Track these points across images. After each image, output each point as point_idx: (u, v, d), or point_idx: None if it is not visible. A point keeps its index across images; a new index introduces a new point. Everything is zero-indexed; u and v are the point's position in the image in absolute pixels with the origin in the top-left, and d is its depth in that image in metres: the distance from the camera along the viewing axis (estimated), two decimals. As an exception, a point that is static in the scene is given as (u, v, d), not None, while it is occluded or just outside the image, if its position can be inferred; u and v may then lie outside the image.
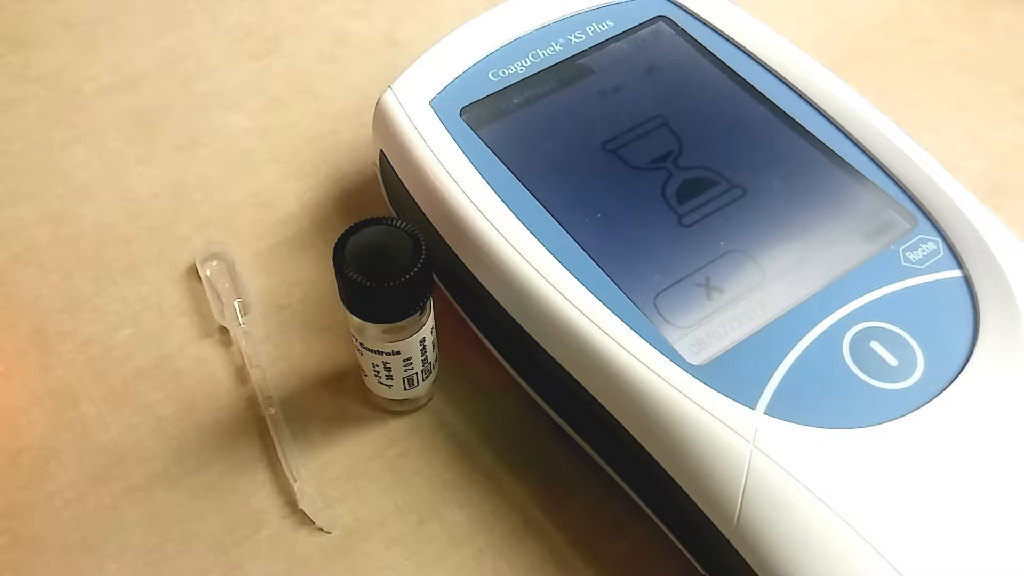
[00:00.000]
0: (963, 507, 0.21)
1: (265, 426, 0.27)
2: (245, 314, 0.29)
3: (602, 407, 0.23)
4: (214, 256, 0.30)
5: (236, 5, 0.39)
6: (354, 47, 0.38)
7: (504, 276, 0.24)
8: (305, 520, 0.26)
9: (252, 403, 0.28)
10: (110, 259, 0.31)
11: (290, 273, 0.31)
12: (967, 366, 0.23)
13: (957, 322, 0.24)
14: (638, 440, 0.23)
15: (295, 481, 0.26)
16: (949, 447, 0.21)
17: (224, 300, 0.29)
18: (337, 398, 0.28)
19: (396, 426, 0.27)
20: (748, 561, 0.21)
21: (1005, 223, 0.25)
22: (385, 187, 0.30)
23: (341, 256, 0.23)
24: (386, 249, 0.23)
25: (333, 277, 0.30)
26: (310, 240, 0.32)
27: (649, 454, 0.22)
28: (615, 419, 0.23)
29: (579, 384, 0.23)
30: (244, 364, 0.28)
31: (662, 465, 0.22)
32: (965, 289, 0.24)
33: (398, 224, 0.23)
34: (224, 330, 0.29)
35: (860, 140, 0.27)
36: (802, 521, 0.20)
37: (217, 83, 0.36)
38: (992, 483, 0.21)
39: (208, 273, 0.30)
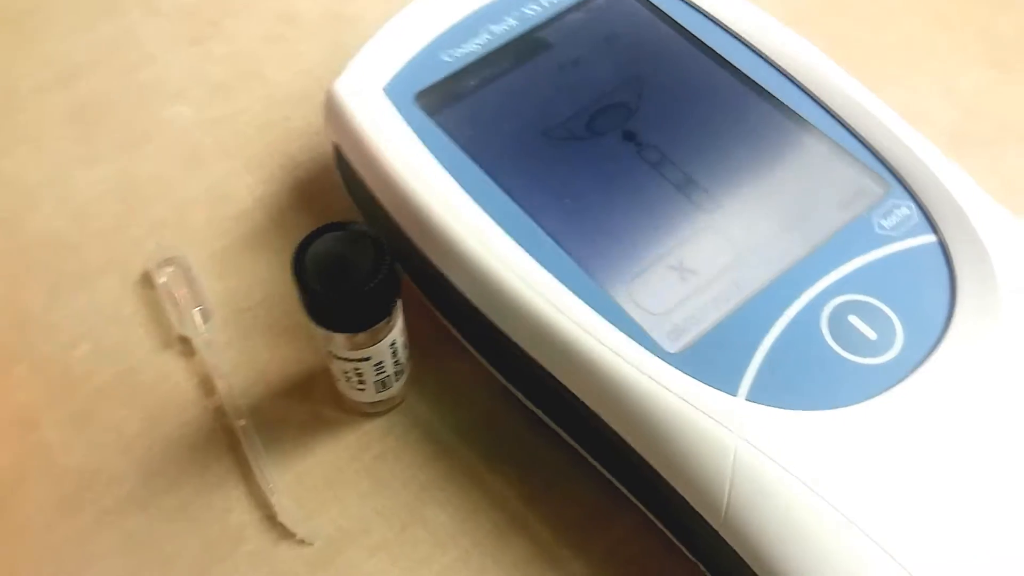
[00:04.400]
0: (953, 481, 0.20)
1: (236, 438, 0.26)
2: (206, 322, 0.28)
3: (582, 403, 0.23)
4: (168, 262, 0.29)
5: (171, -12, 0.37)
6: (301, 26, 0.36)
7: (471, 271, 0.23)
8: (285, 533, 0.25)
9: (220, 414, 0.27)
10: (60, 269, 0.30)
11: (249, 274, 0.30)
12: (946, 334, 0.22)
13: (934, 289, 0.23)
14: (620, 434, 0.22)
15: (272, 494, 0.25)
16: (934, 418, 0.21)
17: (183, 308, 0.28)
18: (308, 403, 0.27)
19: (371, 428, 0.27)
20: (739, 551, 0.20)
21: (975, 174, 0.25)
22: (343, 179, 0.29)
23: (302, 267, 0.22)
24: (347, 255, 0.22)
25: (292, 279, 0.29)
26: (267, 237, 0.30)
27: (632, 448, 0.22)
28: (595, 414, 0.22)
29: (556, 380, 0.23)
30: (208, 374, 0.27)
31: (646, 458, 0.22)
32: (941, 254, 0.24)
33: (358, 228, 0.22)
34: (185, 340, 0.28)
35: (828, 104, 0.26)
36: (791, 509, 0.20)
37: (158, 72, 0.35)
38: (980, 452, 0.21)
39: (163, 280, 0.29)
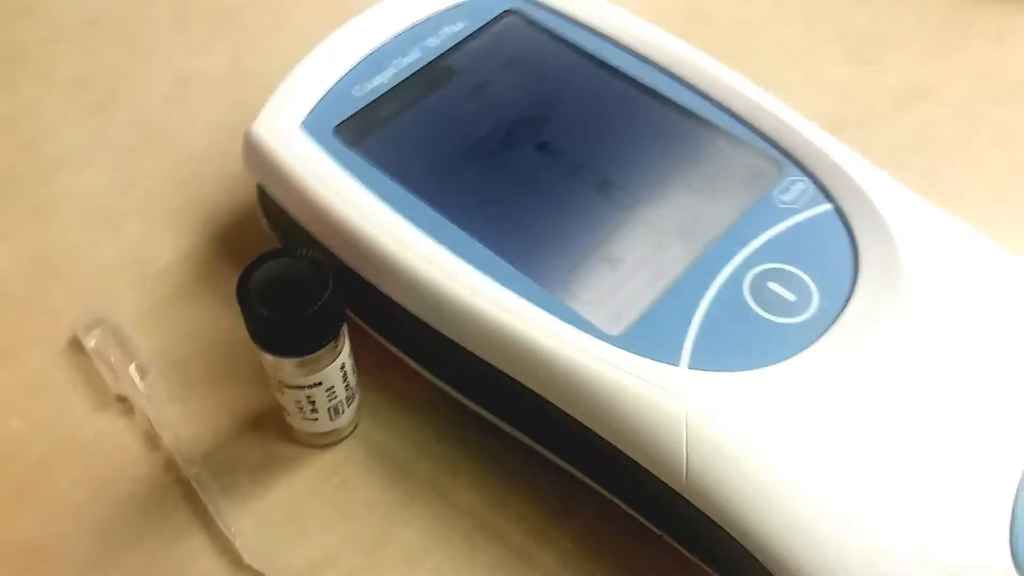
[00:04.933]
0: (879, 418, 0.22)
1: (189, 489, 0.26)
2: (143, 377, 0.27)
3: (536, 395, 0.23)
4: (96, 324, 0.29)
5: (61, 61, 0.37)
6: (200, 85, 0.36)
7: (415, 286, 0.24)
8: (254, 574, 0.25)
9: (169, 467, 0.26)
10: (-21, 348, 0.29)
11: (181, 327, 0.29)
12: (856, 285, 0.24)
13: (838, 249, 0.25)
14: (576, 418, 0.23)
15: (235, 537, 0.25)
16: (856, 364, 0.23)
17: (117, 367, 0.28)
18: (259, 443, 0.27)
19: (328, 459, 0.27)
20: (703, 510, 0.22)
21: (857, 152, 0.27)
22: (268, 220, 0.29)
23: (246, 294, 0.22)
24: (289, 280, 0.23)
25: (227, 325, 0.29)
26: (195, 290, 0.30)
27: (589, 429, 0.23)
28: (550, 404, 0.23)
29: (510, 377, 0.24)
30: (151, 429, 0.27)
31: (604, 437, 0.23)
32: (838, 218, 0.26)
33: (296, 253, 0.23)
34: (122, 399, 0.28)
35: (719, 100, 0.28)
36: (744, 459, 0.21)
37: (61, 144, 0.34)
38: (899, 389, 0.22)
39: (93, 344, 0.28)
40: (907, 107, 0.36)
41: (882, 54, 0.38)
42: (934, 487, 0.21)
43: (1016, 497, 0.21)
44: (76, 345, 0.29)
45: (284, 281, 0.23)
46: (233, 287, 0.30)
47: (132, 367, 0.27)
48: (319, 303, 0.22)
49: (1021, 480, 0.21)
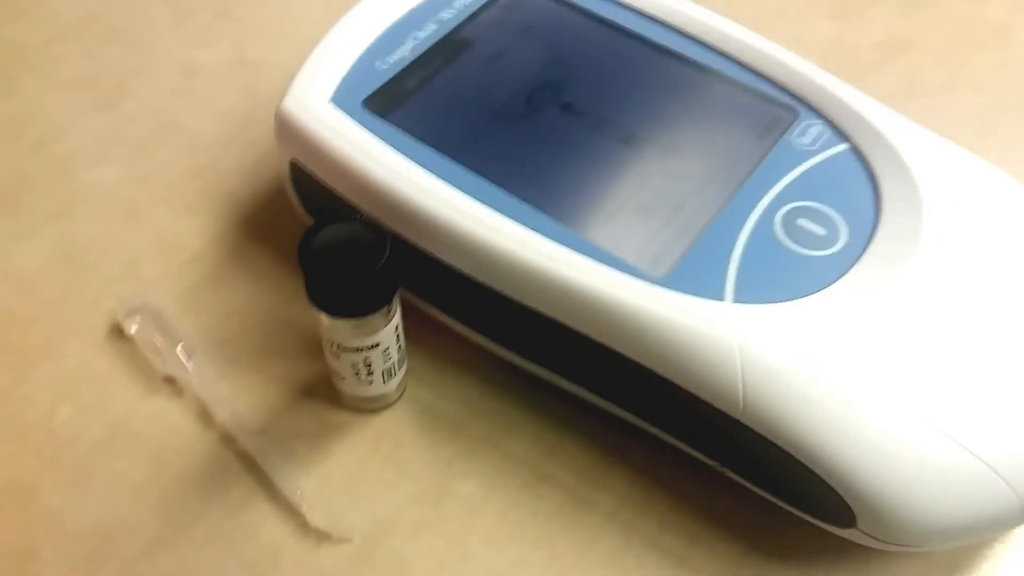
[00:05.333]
0: (916, 335, 0.23)
1: (249, 461, 0.26)
2: (191, 358, 0.28)
3: (590, 342, 0.24)
4: (136, 310, 0.29)
5: (61, 62, 0.37)
6: (206, 76, 0.37)
7: (465, 244, 0.25)
8: (322, 537, 0.25)
9: (226, 442, 0.27)
10: (19, 345, 0.29)
11: (220, 308, 0.30)
12: (880, 216, 0.26)
13: (859, 184, 0.27)
14: (633, 360, 0.24)
15: (302, 502, 0.25)
16: (888, 289, 0.24)
17: (164, 349, 0.28)
18: (312, 413, 0.28)
19: (380, 423, 0.27)
20: (762, 433, 0.23)
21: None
22: (299, 197, 0.30)
23: (308, 256, 0.23)
24: (346, 244, 0.23)
25: (266, 304, 0.30)
26: (229, 271, 0.31)
27: (646, 370, 0.24)
28: (606, 348, 0.24)
29: (563, 327, 0.25)
30: (204, 407, 0.27)
31: (661, 375, 0.24)
32: (855, 156, 0.27)
33: (353, 217, 0.23)
34: (171, 380, 0.28)
35: (729, 52, 0.30)
36: (797, 383, 0.22)
37: (73, 142, 0.34)
38: (933, 306, 0.24)
39: (135, 329, 0.29)
40: (892, 58, 0.38)
41: (864, 9, 0.39)
42: (968, 395, 0.23)
43: (1049, 398, 0.23)
44: (117, 332, 0.29)
45: (342, 245, 0.23)
46: (267, 267, 0.31)
47: (179, 348, 0.28)
48: (380, 263, 0.23)
49: (1052, 382, 0.23)
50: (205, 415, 0.27)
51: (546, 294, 0.24)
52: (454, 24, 0.30)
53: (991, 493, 0.22)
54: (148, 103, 0.36)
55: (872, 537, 0.23)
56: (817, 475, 0.22)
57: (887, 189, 0.26)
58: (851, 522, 0.23)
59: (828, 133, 0.28)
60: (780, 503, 0.25)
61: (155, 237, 0.32)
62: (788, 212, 0.26)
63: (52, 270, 0.31)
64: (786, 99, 0.29)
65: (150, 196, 0.33)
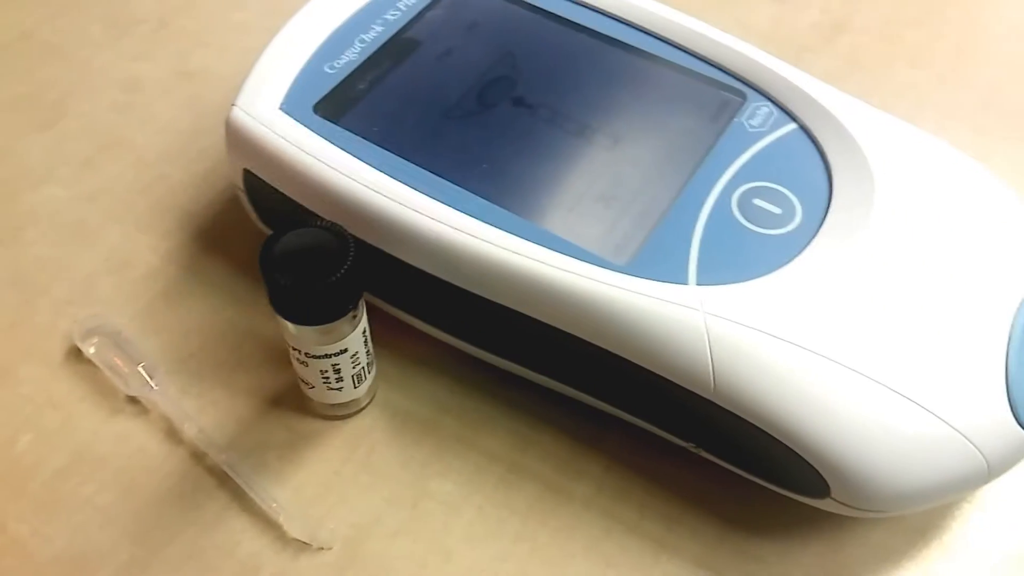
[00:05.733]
0: (870, 304, 0.24)
1: (221, 476, 0.26)
2: (153, 376, 0.27)
3: (559, 333, 0.24)
4: (93, 331, 0.28)
5: (0, 82, 0.36)
6: (148, 89, 0.36)
7: (426, 244, 0.25)
8: (302, 546, 0.25)
9: (196, 459, 0.26)
10: (-30, 374, 0.28)
11: (180, 324, 0.29)
12: (833, 191, 0.26)
13: (810, 162, 0.27)
14: (603, 348, 0.24)
15: (278, 513, 0.25)
16: (849, 258, 0.25)
17: (125, 369, 0.27)
18: (282, 423, 0.27)
19: (352, 428, 0.27)
20: (736, 412, 0.23)
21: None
22: (255, 206, 0.29)
23: (270, 265, 0.22)
24: (309, 250, 0.23)
25: (226, 316, 0.29)
26: (186, 286, 0.30)
27: (619, 356, 0.24)
28: (578, 338, 0.24)
29: (530, 320, 0.25)
30: (171, 426, 0.27)
31: (632, 362, 0.24)
32: (804, 135, 0.28)
33: (314, 223, 0.23)
34: (134, 400, 0.27)
35: (675, 40, 0.30)
36: (768, 360, 0.23)
37: (15, 163, 0.33)
38: (886, 276, 0.24)
39: (93, 351, 0.28)
40: (831, 38, 0.39)
41: (801, -8, 0.40)
42: (931, 360, 0.23)
43: (1007, 361, 0.23)
44: (75, 355, 0.28)
45: (303, 252, 0.23)
46: (225, 279, 0.30)
47: (140, 367, 0.27)
48: (344, 268, 0.22)
49: (1008, 344, 0.24)
50: (172, 433, 0.27)
51: (512, 289, 0.24)
52: (400, 24, 0.30)
53: (958, 455, 0.22)
54: (90, 120, 0.35)
55: (846, 506, 0.23)
56: (790, 449, 0.23)
57: (837, 164, 0.27)
58: (825, 492, 0.23)
59: (776, 114, 0.28)
60: (755, 479, 0.25)
61: (107, 256, 0.31)
62: (744, 193, 0.26)
63: (1, 296, 0.30)
64: (734, 83, 0.29)
65: (99, 214, 0.32)
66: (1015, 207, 0.26)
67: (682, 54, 0.30)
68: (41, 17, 0.38)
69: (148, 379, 0.27)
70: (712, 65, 0.29)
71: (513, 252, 0.24)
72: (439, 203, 0.25)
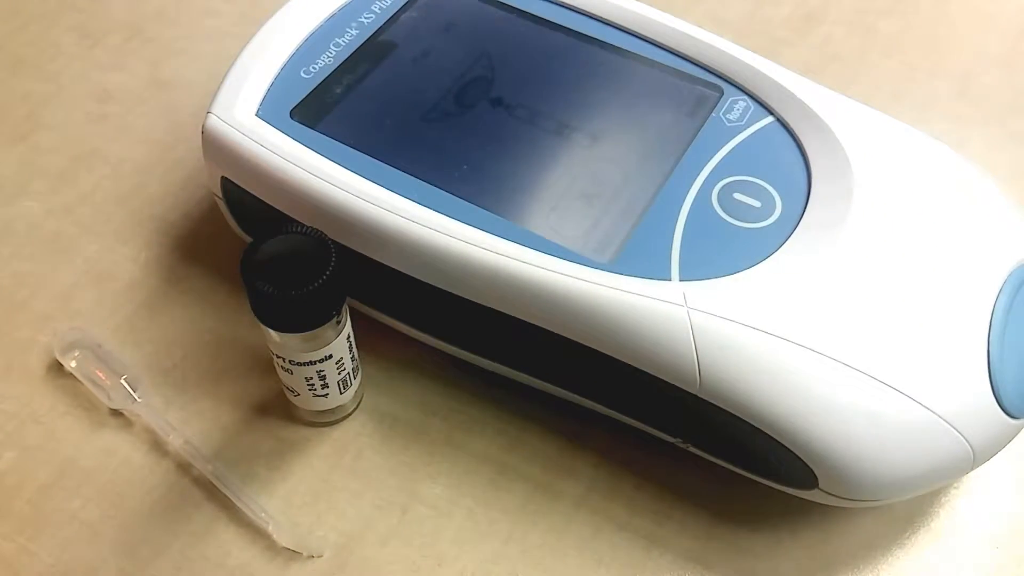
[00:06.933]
0: (854, 294, 0.24)
1: (208, 487, 0.26)
2: (136, 389, 0.27)
3: (544, 333, 0.24)
4: (73, 345, 0.28)
5: (-30, 94, 0.35)
6: (121, 100, 0.36)
7: (409, 248, 0.25)
8: (292, 555, 0.25)
9: (183, 470, 0.26)
10: (-50, 392, 0.28)
11: (161, 335, 0.29)
12: (812, 183, 0.26)
13: (788, 154, 0.27)
14: (589, 347, 0.24)
15: (268, 522, 0.25)
16: (830, 249, 0.25)
17: (108, 382, 0.27)
18: (268, 432, 0.27)
19: (339, 435, 0.27)
20: (722, 407, 0.23)
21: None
22: (234, 214, 0.29)
23: (251, 273, 0.22)
24: (291, 257, 0.23)
25: (208, 325, 0.29)
26: (166, 296, 0.30)
27: (604, 355, 0.24)
28: (563, 337, 0.24)
29: (516, 321, 0.25)
30: (156, 438, 0.27)
31: (618, 359, 0.24)
32: (781, 127, 0.28)
33: (294, 230, 0.23)
34: (117, 413, 0.27)
35: (650, 37, 0.30)
36: (753, 354, 0.23)
37: (-12, 177, 0.33)
38: (869, 268, 0.25)
39: (74, 364, 0.28)
40: (805, 31, 0.39)
41: (775, -15, 0.40)
42: (914, 348, 0.23)
43: (988, 348, 0.24)
44: (56, 369, 0.28)
45: (285, 259, 0.23)
46: (205, 288, 0.30)
47: (123, 380, 0.27)
48: (326, 274, 0.22)
49: (989, 330, 0.24)
50: (157, 445, 0.27)
51: (495, 290, 0.24)
52: (375, 27, 0.30)
53: (944, 443, 0.23)
54: (63, 132, 0.34)
55: (834, 496, 0.24)
56: (777, 442, 0.23)
57: (815, 156, 0.27)
58: (813, 484, 0.23)
59: (753, 108, 0.28)
60: (743, 472, 0.25)
61: (85, 268, 0.31)
62: (723, 188, 0.26)
63: (-21, 312, 0.30)
64: (710, 78, 0.29)
65: (76, 227, 0.32)
66: (993, 194, 0.27)
67: (658, 50, 0.30)
68: (11, 28, 0.38)
69: (131, 391, 0.27)
70: (688, 60, 0.29)
71: (495, 253, 0.24)
72: (419, 206, 0.25)
